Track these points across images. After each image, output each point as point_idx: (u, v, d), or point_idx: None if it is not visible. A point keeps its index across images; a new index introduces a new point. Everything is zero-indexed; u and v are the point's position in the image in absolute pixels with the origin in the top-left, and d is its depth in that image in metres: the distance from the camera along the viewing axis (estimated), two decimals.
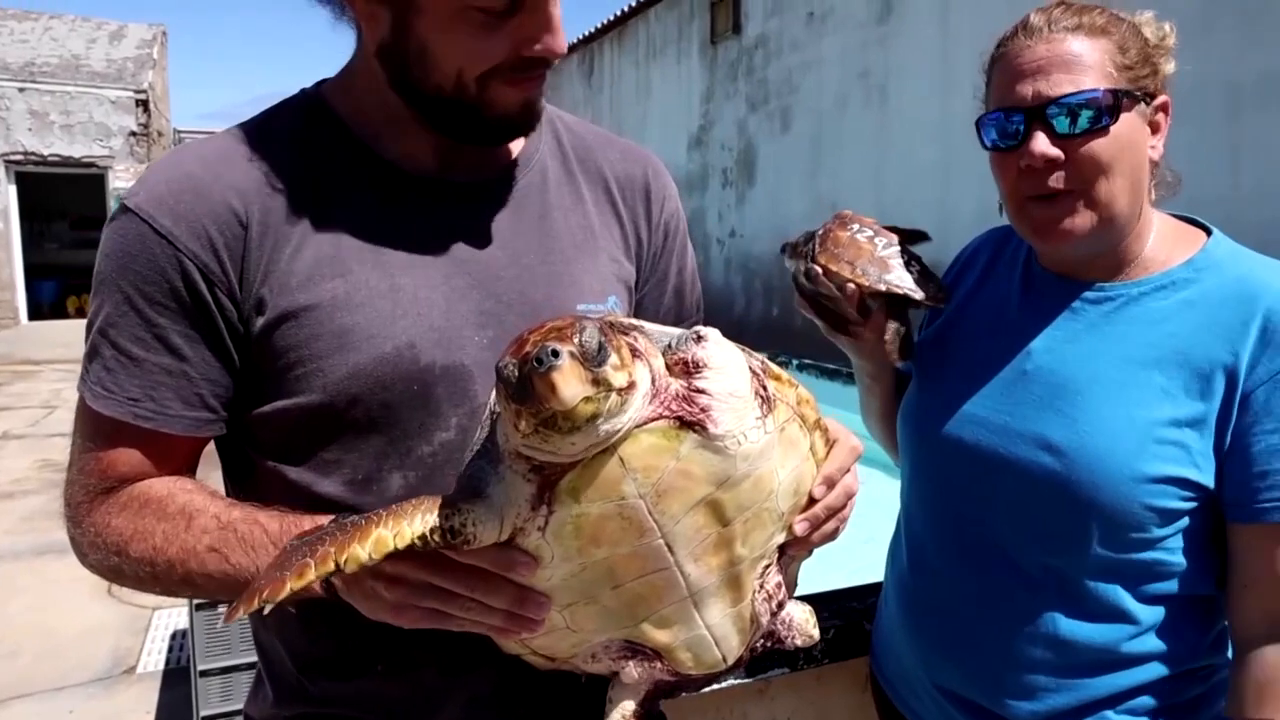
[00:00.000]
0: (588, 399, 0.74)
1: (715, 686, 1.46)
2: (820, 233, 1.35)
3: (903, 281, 1.30)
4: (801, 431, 0.93)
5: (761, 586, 0.95)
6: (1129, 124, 1.17)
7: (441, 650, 1.05)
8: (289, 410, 1.03)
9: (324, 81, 1.18)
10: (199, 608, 3.29)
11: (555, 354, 0.72)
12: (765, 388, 0.88)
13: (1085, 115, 1.15)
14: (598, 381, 0.74)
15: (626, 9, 14.03)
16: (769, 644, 1.02)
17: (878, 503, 1.63)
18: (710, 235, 11.80)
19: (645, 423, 0.81)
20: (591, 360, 0.74)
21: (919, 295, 1.30)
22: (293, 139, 1.10)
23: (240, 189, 1.04)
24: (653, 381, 0.82)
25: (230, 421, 1.07)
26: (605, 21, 15.06)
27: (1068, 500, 1.17)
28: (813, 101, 9.71)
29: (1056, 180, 1.17)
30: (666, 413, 0.82)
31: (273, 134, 1.11)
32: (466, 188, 1.14)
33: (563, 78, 17.11)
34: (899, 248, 1.33)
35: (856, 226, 1.35)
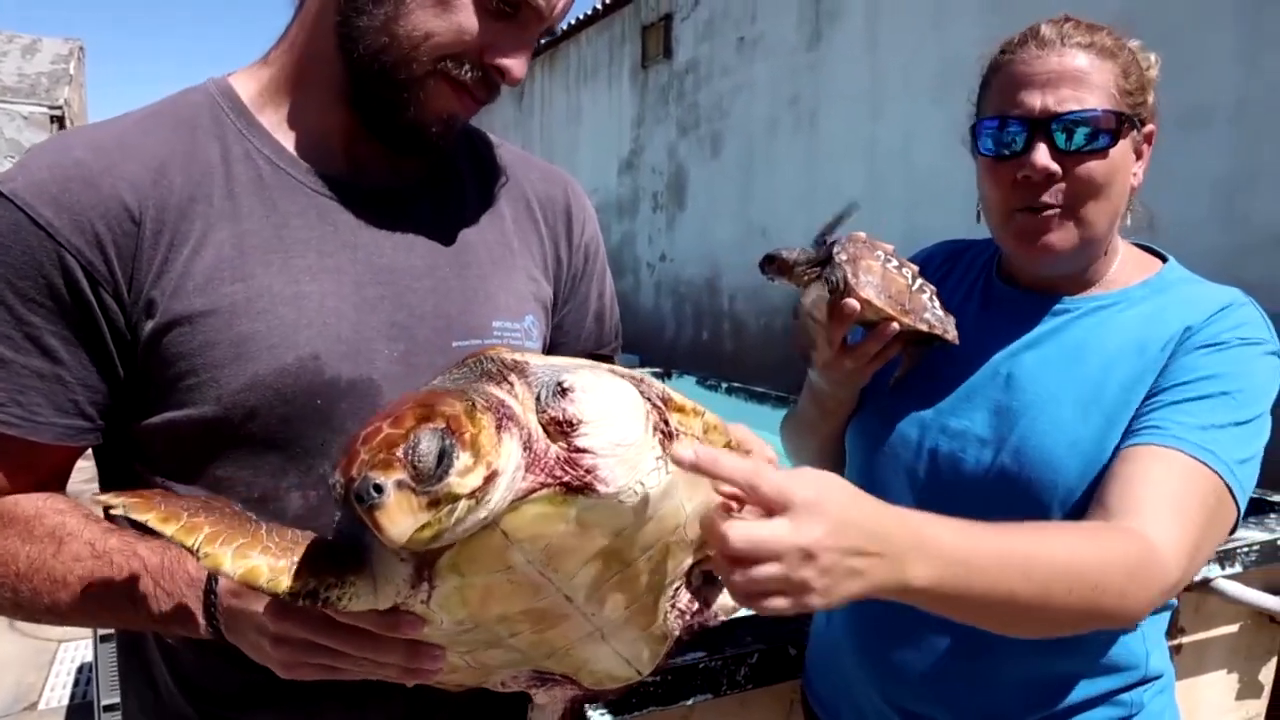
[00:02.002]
0: (424, 525, 0.65)
1: (637, 714, 1.44)
2: (846, 259, 1.22)
3: (939, 322, 1.25)
4: None
5: (674, 606, 0.90)
6: (1123, 149, 1.18)
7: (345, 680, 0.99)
8: (179, 423, 0.96)
9: (233, 73, 1.10)
10: (104, 639, 3.13)
11: (378, 488, 0.63)
12: (666, 422, 0.79)
13: (1086, 134, 1.14)
14: (437, 501, 0.65)
15: (558, 32, 14.06)
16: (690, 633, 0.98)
17: None
18: (640, 259, 11.81)
19: (526, 495, 0.72)
20: (429, 479, 0.65)
21: (950, 336, 1.25)
22: (196, 130, 1.02)
23: (134, 181, 0.96)
24: (529, 447, 0.73)
25: (115, 434, 1.00)
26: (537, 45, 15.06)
27: (1029, 501, 1.16)
28: (743, 126, 9.79)
29: (1052, 195, 1.17)
30: (549, 480, 0.72)
31: (175, 123, 1.02)
32: (381, 193, 1.08)
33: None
34: (923, 280, 1.28)
35: (883, 255, 1.25)
